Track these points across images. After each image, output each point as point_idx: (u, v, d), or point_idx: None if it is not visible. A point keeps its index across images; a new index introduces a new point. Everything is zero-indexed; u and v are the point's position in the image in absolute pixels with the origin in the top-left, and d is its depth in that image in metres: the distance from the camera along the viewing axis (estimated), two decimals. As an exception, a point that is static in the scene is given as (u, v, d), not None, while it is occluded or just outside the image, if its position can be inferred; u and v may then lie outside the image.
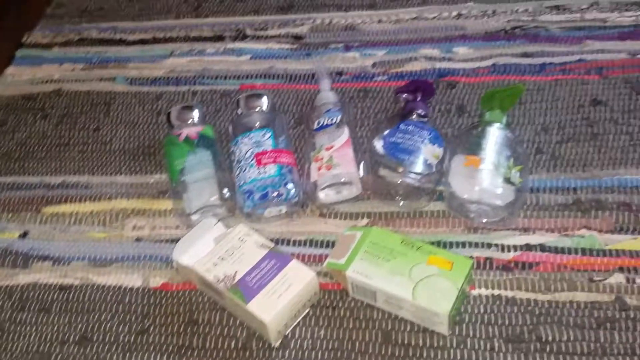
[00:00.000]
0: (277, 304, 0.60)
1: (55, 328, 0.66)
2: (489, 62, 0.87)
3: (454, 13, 0.95)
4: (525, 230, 0.69)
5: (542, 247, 0.67)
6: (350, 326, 0.63)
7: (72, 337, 0.66)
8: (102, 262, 0.72)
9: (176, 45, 0.97)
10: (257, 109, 0.79)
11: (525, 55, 0.87)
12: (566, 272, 0.65)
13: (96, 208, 0.78)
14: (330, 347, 0.62)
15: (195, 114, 0.80)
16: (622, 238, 0.67)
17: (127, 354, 0.64)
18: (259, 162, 0.72)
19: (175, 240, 0.68)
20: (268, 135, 0.74)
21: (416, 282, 0.61)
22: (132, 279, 0.70)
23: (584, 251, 0.66)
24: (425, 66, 0.88)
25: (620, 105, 0.79)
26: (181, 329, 0.65)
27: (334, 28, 0.96)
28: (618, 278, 0.63)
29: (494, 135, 0.72)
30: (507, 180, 0.68)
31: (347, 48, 0.93)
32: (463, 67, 0.87)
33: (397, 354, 0.61)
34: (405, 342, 0.61)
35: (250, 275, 0.63)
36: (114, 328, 0.66)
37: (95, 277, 0.70)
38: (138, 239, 0.74)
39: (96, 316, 0.67)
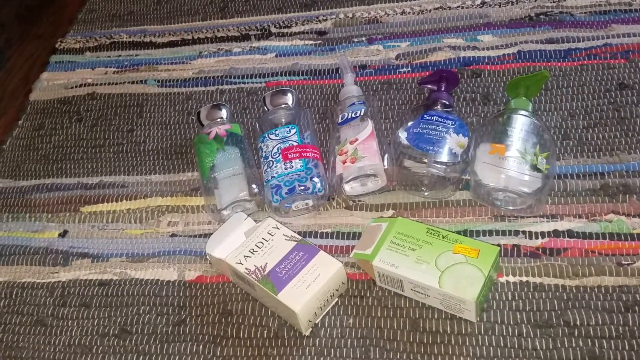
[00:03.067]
0: (306, 294, 0.62)
1: (96, 322, 0.70)
2: (514, 49, 0.87)
3: (478, 1, 0.95)
4: (553, 216, 0.69)
5: (570, 233, 0.67)
6: (379, 315, 0.64)
7: (112, 329, 0.69)
8: (139, 258, 0.75)
9: (204, 46, 1.00)
10: (283, 106, 0.80)
11: (551, 41, 0.87)
12: (594, 257, 0.65)
13: (132, 206, 0.81)
14: (359, 335, 0.63)
15: (224, 112, 0.82)
16: (650, 222, 0.66)
17: (165, 345, 0.66)
18: (285, 158, 0.73)
19: (208, 235, 0.71)
20: (293, 131, 0.76)
21: (442, 270, 0.62)
22: (168, 273, 0.72)
23: (611, 236, 0.66)
24: (449, 55, 0.88)
25: (648, 88, 0.78)
26: (216, 319, 0.67)
27: (357, 22, 0.97)
28: (647, 262, 0.63)
29: (520, 122, 0.72)
30: (534, 167, 0.68)
31: (371, 41, 0.94)
32: (488, 55, 0.87)
33: (425, 341, 0.62)
34: (434, 329, 0.62)
35: (279, 266, 0.64)
36: (152, 320, 0.68)
37: (133, 272, 0.73)
38: (173, 235, 0.76)
39: (135, 309, 0.70)
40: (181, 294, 0.70)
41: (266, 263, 0.65)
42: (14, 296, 0.74)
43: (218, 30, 1.02)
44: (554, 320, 0.61)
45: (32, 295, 0.73)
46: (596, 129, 0.76)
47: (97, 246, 0.77)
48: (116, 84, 0.97)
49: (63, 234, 0.79)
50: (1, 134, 0.96)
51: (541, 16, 0.90)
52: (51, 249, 0.78)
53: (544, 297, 0.63)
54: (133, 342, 0.67)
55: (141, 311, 0.69)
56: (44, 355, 0.68)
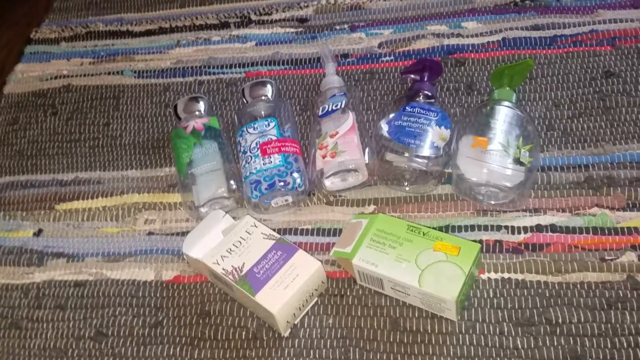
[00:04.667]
0: (284, 295, 0.61)
1: (71, 324, 0.68)
2: (498, 37, 0.85)
3: (462, -14, 0.93)
4: (536, 210, 0.68)
5: (553, 228, 0.66)
6: (359, 314, 0.63)
7: (87, 332, 0.67)
8: (116, 257, 0.73)
9: (182, 35, 0.97)
10: (262, 98, 0.78)
11: (536, 27, 0.85)
12: (577, 253, 0.64)
13: (108, 203, 0.79)
14: (339, 335, 0.62)
15: (201, 105, 0.80)
16: (634, 215, 0.65)
17: (142, 347, 0.65)
18: (264, 152, 0.72)
19: (186, 233, 0.69)
20: (272, 124, 0.74)
21: (423, 268, 0.60)
22: (145, 273, 0.71)
23: (595, 230, 0.65)
24: (432, 43, 0.86)
25: (634, 76, 0.76)
26: (193, 320, 0.66)
27: (339, 8, 0.95)
28: (630, 256, 0.62)
29: (503, 114, 0.70)
30: (517, 161, 0.67)
31: (353, 28, 0.91)
32: (472, 43, 0.85)
33: (405, 340, 0.61)
34: (414, 328, 0.61)
35: (257, 266, 0.63)
36: (129, 322, 0.67)
37: (109, 272, 0.72)
38: (150, 233, 0.75)
39: (111, 311, 0.68)
40: (158, 295, 0.69)
41: (243, 263, 0.64)
42: (-13, 298, 0.72)
43: (197, 18, 0.99)
44: (536, 318, 0.60)
45: (6, 297, 0.72)
46: (581, 119, 0.74)
47: (73, 245, 0.75)
48: (92, 75, 0.95)
49: (38, 233, 0.78)
50: (-25, 128, 0.93)
51: (527, 1, 0.88)
52: (26, 249, 0.76)
53: (525, 294, 0.62)
54: (109, 344, 0.66)
55: (117, 313, 0.68)
56: (18, 359, 0.66)
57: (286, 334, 0.63)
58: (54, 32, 1.03)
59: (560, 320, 0.59)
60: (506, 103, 0.71)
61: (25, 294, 0.72)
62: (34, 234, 0.78)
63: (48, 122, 0.90)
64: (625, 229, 0.64)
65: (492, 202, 0.69)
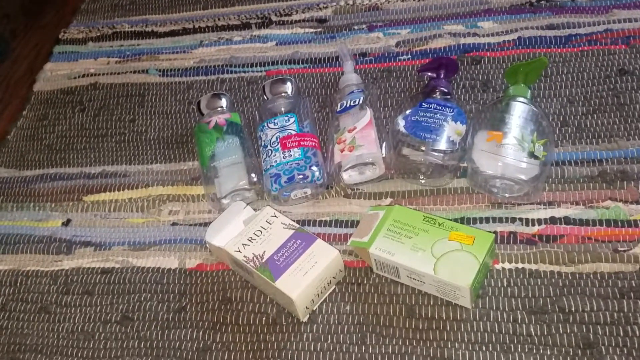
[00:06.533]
0: (303, 281, 0.63)
1: (98, 309, 0.71)
2: (514, 36, 0.86)
3: (479, -13, 0.95)
4: (550, 203, 0.69)
5: (567, 220, 0.67)
6: (375, 301, 0.65)
7: (114, 316, 0.70)
8: (141, 246, 0.76)
9: (205, 35, 1.00)
10: (282, 95, 0.81)
11: (551, 27, 0.86)
12: (590, 244, 0.65)
13: (134, 195, 0.82)
14: (355, 321, 0.64)
15: (224, 101, 0.83)
16: (647, 208, 0.66)
17: (166, 331, 0.67)
18: (284, 146, 0.74)
19: (208, 224, 0.71)
20: (292, 120, 0.76)
21: (438, 257, 0.62)
22: (169, 261, 0.73)
23: (608, 222, 0.66)
24: (449, 42, 0.88)
25: (648, 73, 0.78)
26: (215, 306, 0.68)
27: (357, 9, 0.97)
28: (643, 248, 0.63)
29: (517, 109, 0.72)
30: (531, 155, 0.68)
31: (371, 28, 0.94)
32: (488, 42, 0.87)
33: (420, 327, 0.62)
34: (429, 315, 0.63)
35: (277, 254, 0.65)
36: (153, 307, 0.70)
37: (135, 260, 0.74)
38: (174, 224, 0.77)
39: (136, 297, 0.71)
40: (182, 282, 0.71)
41: (264, 251, 0.66)
42: (18, 284, 0.75)
43: (219, 19, 1.02)
44: (549, 306, 0.61)
45: (36, 283, 0.75)
46: (595, 115, 0.75)
47: (100, 235, 0.78)
48: (118, 73, 0.98)
49: (66, 223, 0.80)
50: (6, 124, 0.97)
51: (542, 2, 0.90)
52: (55, 238, 0.79)
53: (539, 283, 0.63)
54: (134, 328, 0.68)
55: (142, 298, 0.71)
56: (47, 341, 0.69)
57: (305, 320, 0.65)
58: (81, 33, 1.07)
59: (573, 309, 0.61)
60: (521, 99, 0.73)
61: (54, 280, 0.75)
62: (63, 224, 0.81)
63: (76, 118, 0.93)
64: (639, 222, 0.65)
65: (507, 195, 0.70)
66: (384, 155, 0.73)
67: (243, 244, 0.67)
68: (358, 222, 0.72)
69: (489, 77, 0.82)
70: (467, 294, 0.61)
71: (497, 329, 0.61)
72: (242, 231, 0.69)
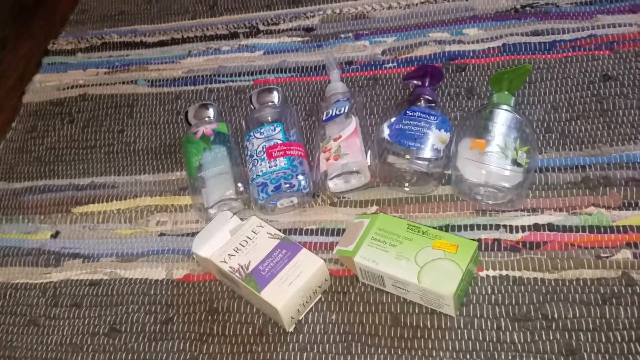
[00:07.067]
0: (288, 291, 0.63)
1: (86, 321, 0.71)
2: (499, 43, 0.87)
3: (464, -6, 0.95)
4: (534, 210, 0.70)
5: (550, 227, 0.68)
6: (361, 310, 0.65)
7: (102, 328, 0.70)
8: (129, 257, 0.76)
9: (193, 45, 1.01)
10: (269, 104, 0.81)
11: (536, 33, 0.87)
12: (573, 250, 0.66)
13: (122, 206, 0.82)
14: (341, 330, 0.64)
15: (211, 112, 0.83)
16: (629, 214, 0.67)
17: (153, 343, 0.68)
18: (269, 156, 0.74)
19: (196, 234, 0.72)
20: (278, 129, 0.77)
21: (422, 265, 0.63)
22: (157, 272, 0.74)
23: (591, 228, 0.67)
24: (434, 50, 0.89)
25: (631, 79, 0.78)
26: (202, 317, 0.69)
27: (344, 17, 0.98)
28: (625, 254, 0.64)
29: (501, 117, 0.73)
30: (514, 162, 0.69)
31: (357, 37, 0.94)
32: (473, 49, 0.87)
33: (405, 335, 0.63)
34: (414, 324, 0.63)
35: (263, 264, 0.66)
36: (141, 319, 0.70)
37: (123, 272, 0.75)
38: (162, 234, 0.78)
39: (124, 308, 0.71)
40: (169, 293, 0.71)
41: (250, 261, 0.66)
42: (7, 297, 0.76)
43: (207, 29, 1.03)
44: (532, 313, 0.62)
45: (25, 295, 0.75)
46: (579, 121, 0.76)
47: (88, 246, 0.79)
48: (107, 84, 0.98)
49: (55, 235, 0.81)
50: (-4, 135, 0.97)
51: (527, 8, 0.90)
52: (43, 250, 0.79)
53: (522, 290, 0.64)
54: (122, 340, 0.69)
55: (130, 310, 0.71)
56: (36, 354, 0.70)
57: (291, 330, 0.65)
58: (70, 44, 1.07)
59: (556, 316, 0.61)
60: (504, 107, 0.73)
61: (43, 292, 0.75)
62: (51, 236, 0.81)
63: (65, 129, 0.94)
64: (621, 227, 0.66)
65: (491, 202, 0.71)
66: (369, 164, 0.74)
67: (229, 255, 0.67)
68: (344, 230, 0.72)
69: (474, 85, 0.83)
70: (451, 302, 0.61)
71: (481, 337, 0.61)
72: (228, 241, 0.69)
